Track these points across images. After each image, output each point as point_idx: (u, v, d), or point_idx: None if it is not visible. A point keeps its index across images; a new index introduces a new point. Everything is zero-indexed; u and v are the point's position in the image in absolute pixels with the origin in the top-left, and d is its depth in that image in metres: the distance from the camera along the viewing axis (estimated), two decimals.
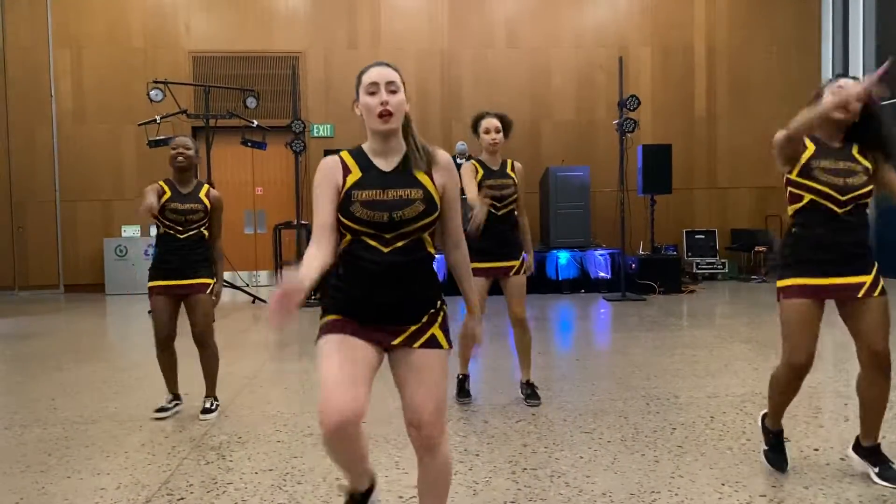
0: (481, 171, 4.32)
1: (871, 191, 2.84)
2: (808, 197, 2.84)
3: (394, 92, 2.19)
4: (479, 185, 4.25)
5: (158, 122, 9.50)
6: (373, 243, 2.18)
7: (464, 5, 12.05)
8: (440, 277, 2.44)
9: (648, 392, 4.63)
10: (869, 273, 2.88)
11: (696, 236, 11.77)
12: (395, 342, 2.21)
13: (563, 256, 10.33)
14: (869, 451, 3.06)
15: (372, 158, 2.25)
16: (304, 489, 3.14)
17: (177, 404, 4.47)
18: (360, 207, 2.16)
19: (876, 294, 2.88)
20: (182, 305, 4.40)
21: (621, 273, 9.79)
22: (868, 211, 2.92)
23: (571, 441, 3.69)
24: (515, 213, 4.40)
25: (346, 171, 2.22)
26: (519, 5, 12.14)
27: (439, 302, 2.30)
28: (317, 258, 2.11)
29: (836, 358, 5.77)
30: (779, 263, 2.99)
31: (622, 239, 9.80)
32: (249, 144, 10.11)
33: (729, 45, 12.29)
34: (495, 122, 4.34)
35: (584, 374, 5.24)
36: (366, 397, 2.12)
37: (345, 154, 2.26)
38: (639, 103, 9.64)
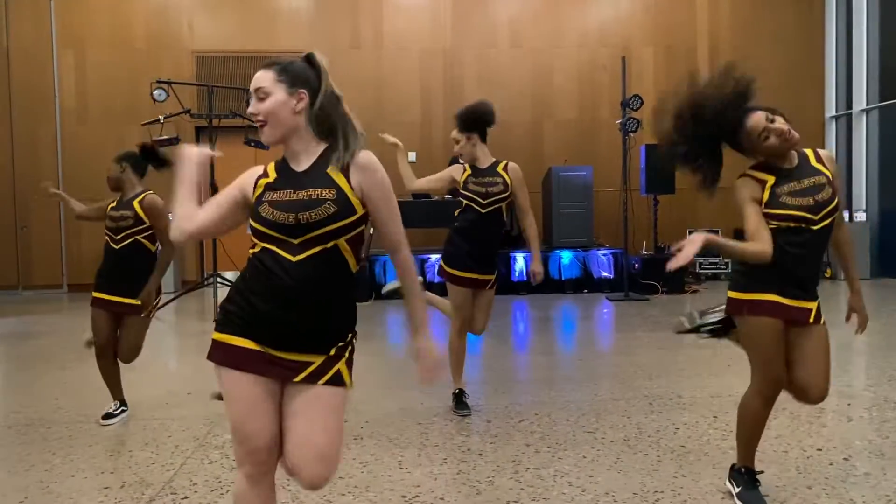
0: (469, 171, 4.23)
1: (837, 205, 2.71)
2: (784, 224, 2.67)
3: (262, 99, 2.02)
4: (465, 183, 4.18)
5: (162, 121, 9.50)
6: (280, 252, 1.96)
7: (467, 5, 12.04)
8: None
9: (651, 392, 4.63)
10: (816, 299, 2.77)
11: None
12: (297, 379, 1.98)
13: (566, 256, 10.32)
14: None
15: (288, 161, 2.08)
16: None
17: (123, 410, 4.32)
18: (266, 207, 1.98)
19: (821, 322, 2.76)
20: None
21: (624, 273, 9.78)
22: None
23: (574, 441, 3.69)
24: (503, 214, 4.22)
25: (264, 174, 2.07)
26: (522, 5, 12.13)
27: (350, 334, 2.07)
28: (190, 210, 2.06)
29: (838, 359, 5.75)
30: (744, 271, 2.78)
31: (625, 239, 9.79)
32: (252, 144, 10.09)
33: (731, 46, 12.25)
34: (454, 133, 4.18)
35: (586, 374, 5.24)
36: (278, 434, 2.01)
37: (271, 163, 2.11)
38: (642, 103, 9.62)
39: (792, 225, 2.66)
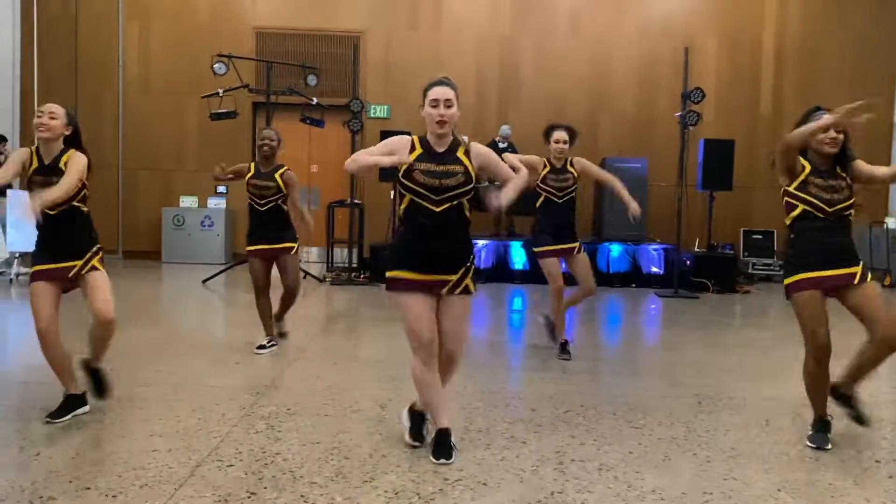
0: (548, 168, 5.33)
1: (852, 203, 3.41)
2: (801, 207, 3.42)
3: (449, 107, 3.15)
4: (544, 179, 5.30)
5: (221, 95, 9.63)
6: (426, 205, 3.14)
7: None
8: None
9: (700, 391, 4.52)
10: (858, 265, 3.41)
11: (754, 236, 11.44)
12: (443, 292, 3.20)
13: (616, 249, 10.16)
14: (841, 396, 3.60)
15: (430, 143, 3.23)
16: (350, 464, 3.15)
17: (273, 345, 5.34)
18: (419, 174, 3.15)
19: (868, 280, 3.40)
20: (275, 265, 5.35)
21: (675, 269, 9.59)
22: (851, 218, 3.46)
23: (621, 436, 3.63)
24: (575, 201, 5.47)
25: (413, 147, 3.21)
26: None
27: (471, 257, 3.25)
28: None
29: None
30: (785, 262, 3.59)
31: (678, 234, 9.58)
32: (308, 122, 10.18)
33: (800, 40, 11.85)
34: (563, 135, 5.30)
35: (634, 369, 5.15)
36: (437, 331, 3.22)
37: (415, 137, 3.26)
38: (703, 96, 9.37)
39: (807, 209, 3.40)
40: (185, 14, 11.83)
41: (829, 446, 3.45)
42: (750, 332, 7.17)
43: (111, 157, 11.91)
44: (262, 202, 5.23)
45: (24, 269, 8.59)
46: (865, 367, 3.46)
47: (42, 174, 3.69)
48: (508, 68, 11.92)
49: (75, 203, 3.73)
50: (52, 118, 3.72)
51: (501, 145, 10.74)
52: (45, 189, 3.58)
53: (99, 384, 3.88)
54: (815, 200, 3.39)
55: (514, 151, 11.31)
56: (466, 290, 3.22)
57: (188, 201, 11.68)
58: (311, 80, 10.17)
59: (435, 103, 3.13)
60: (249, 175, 5.27)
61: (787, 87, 11.86)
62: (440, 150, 3.20)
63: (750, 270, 11.03)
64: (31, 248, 3.88)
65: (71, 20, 11.74)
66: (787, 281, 3.49)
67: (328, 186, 11.94)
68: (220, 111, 9.64)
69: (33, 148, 3.77)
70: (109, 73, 11.84)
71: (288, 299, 5.47)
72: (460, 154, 3.20)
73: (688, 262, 9.95)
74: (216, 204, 11.58)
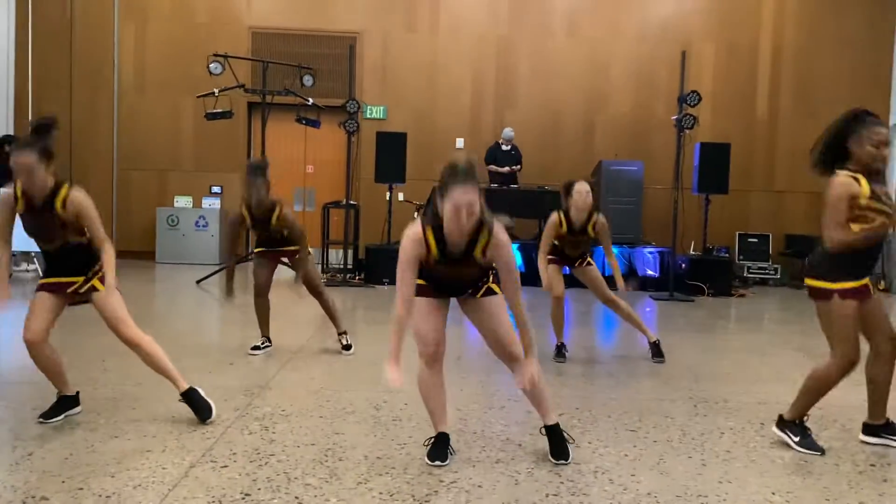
0: (565, 227, 5.12)
1: None
2: (879, 219, 3.22)
3: (471, 213, 2.87)
4: (561, 238, 5.15)
5: (216, 95, 9.60)
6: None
7: None
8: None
9: (696, 394, 4.52)
10: (872, 274, 3.50)
11: (750, 239, 11.47)
12: (461, 297, 3.21)
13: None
14: (884, 427, 3.56)
15: (448, 240, 2.97)
16: (344, 465, 3.14)
17: (267, 346, 5.34)
18: (436, 271, 3.08)
19: (878, 289, 3.54)
20: (280, 267, 5.43)
21: (670, 272, 9.60)
22: None
23: (616, 438, 3.62)
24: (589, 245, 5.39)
25: (428, 248, 2.99)
26: None
27: (490, 273, 3.18)
28: (404, 323, 3.00)
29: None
30: (832, 265, 3.32)
31: (674, 238, 9.59)
32: (304, 122, 10.16)
33: (796, 45, 11.89)
34: (585, 185, 5.06)
35: (628, 372, 5.15)
36: (444, 333, 3.21)
37: (428, 233, 2.97)
38: (699, 99, 9.39)
39: (884, 221, 3.26)
40: (181, 15, 11.81)
41: (825, 450, 3.44)
42: (745, 336, 7.18)
43: (106, 157, 11.89)
44: (268, 230, 5.22)
45: (18, 268, 8.56)
46: (884, 387, 3.47)
47: (33, 213, 3.50)
48: (505, 70, 11.93)
49: (74, 240, 3.71)
50: (30, 172, 3.38)
51: (504, 147, 10.79)
52: (40, 228, 3.54)
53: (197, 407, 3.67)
54: (888, 209, 3.27)
55: (518, 154, 11.40)
56: (489, 292, 3.16)
57: (183, 201, 11.66)
58: (308, 80, 10.15)
59: (457, 210, 2.84)
60: (250, 224, 5.20)
61: (784, 91, 11.90)
62: (457, 249, 2.99)
63: (745, 274, 11.06)
64: (25, 247, 3.84)
65: (66, 21, 11.71)
66: (837, 286, 3.28)
67: (323, 187, 11.93)
68: (215, 111, 9.62)
69: (16, 189, 3.49)
70: (105, 74, 11.81)
71: (321, 301, 5.40)
72: (478, 253, 2.99)
73: (683, 266, 9.98)
74: (210, 204, 11.57)
